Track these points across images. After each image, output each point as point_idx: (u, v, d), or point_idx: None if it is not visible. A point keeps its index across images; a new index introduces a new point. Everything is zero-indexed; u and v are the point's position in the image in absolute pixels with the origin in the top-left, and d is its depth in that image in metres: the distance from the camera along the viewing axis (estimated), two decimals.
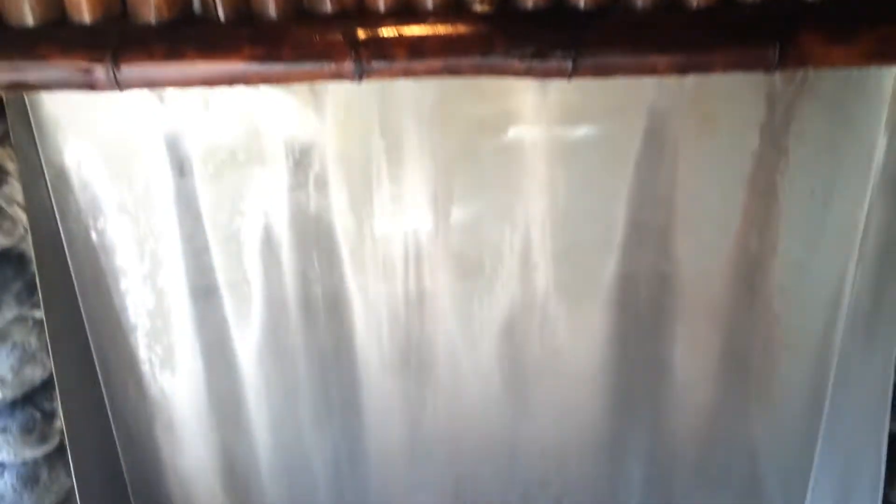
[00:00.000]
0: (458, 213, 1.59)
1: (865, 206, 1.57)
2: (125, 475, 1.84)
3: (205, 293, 1.64)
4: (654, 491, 1.92)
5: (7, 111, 1.40)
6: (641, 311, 1.70)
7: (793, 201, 1.58)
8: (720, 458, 1.88)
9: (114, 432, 1.78)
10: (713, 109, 1.49)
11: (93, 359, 1.69)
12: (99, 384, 1.72)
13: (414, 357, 1.73)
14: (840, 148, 1.52)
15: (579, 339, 1.73)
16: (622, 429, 1.84)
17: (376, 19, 1.19)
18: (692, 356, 1.76)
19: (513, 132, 1.51)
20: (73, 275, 1.60)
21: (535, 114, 1.48)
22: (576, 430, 1.84)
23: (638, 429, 1.84)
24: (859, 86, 1.45)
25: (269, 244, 1.60)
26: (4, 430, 1.50)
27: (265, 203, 1.56)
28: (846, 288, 1.66)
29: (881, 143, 1.47)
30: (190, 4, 1.21)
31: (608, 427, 1.84)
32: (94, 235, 1.56)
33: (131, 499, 1.86)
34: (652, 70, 1.20)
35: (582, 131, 1.52)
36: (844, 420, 1.75)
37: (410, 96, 1.45)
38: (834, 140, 1.51)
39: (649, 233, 1.62)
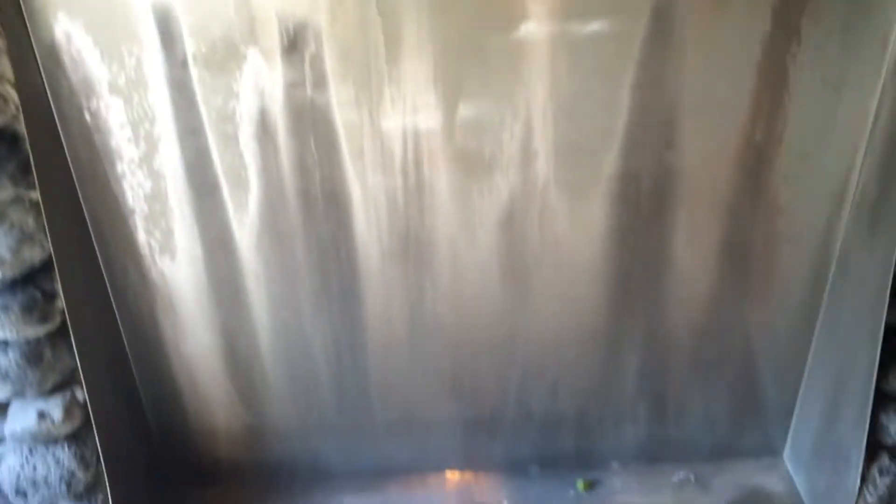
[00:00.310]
0: (458, 100, 1.55)
1: (877, 95, 1.53)
2: (129, 357, 1.87)
3: (201, 178, 1.63)
4: (648, 380, 1.95)
5: None
6: (642, 202, 1.68)
7: (803, 88, 1.53)
8: (716, 350, 1.90)
9: (116, 315, 1.80)
10: None
11: (92, 242, 1.69)
12: (99, 266, 1.72)
13: (413, 246, 1.73)
14: (854, 32, 1.46)
15: (579, 229, 1.72)
16: (619, 319, 1.85)
17: None
18: (692, 247, 1.75)
19: (515, 16, 1.46)
20: (68, 157, 1.58)
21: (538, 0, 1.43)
22: (573, 320, 1.86)
23: (635, 319, 1.85)
24: None
25: (265, 128, 1.57)
26: (6, 308, 1.51)
27: (260, 85, 1.52)
28: (852, 179, 1.64)
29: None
30: None
31: (606, 317, 1.85)
32: (87, 116, 1.54)
33: (136, 380, 1.91)
34: None
35: (586, 17, 1.46)
36: (842, 312, 1.76)
37: None
38: (848, 23, 1.45)
39: (653, 121, 1.58)
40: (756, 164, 1.63)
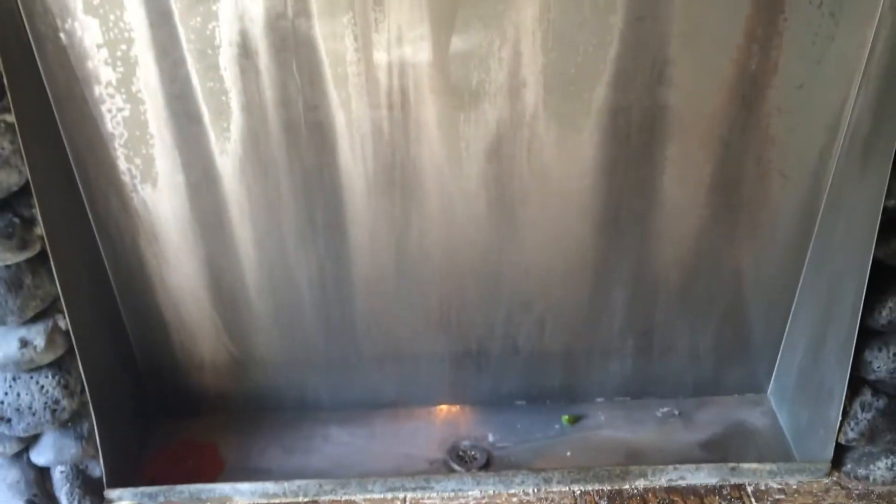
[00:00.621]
0: (444, 24, 1.50)
1: (875, 24, 1.49)
2: (113, 287, 1.85)
3: (181, 103, 1.59)
4: (636, 314, 1.94)
5: None
6: (633, 134, 1.65)
7: (799, 15, 1.49)
8: (704, 286, 1.89)
9: (98, 244, 1.78)
10: None
11: (71, 168, 1.66)
12: (79, 193, 1.70)
13: (398, 176, 1.70)
14: None
15: (568, 161, 1.69)
16: (608, 253, 1.84)
17: None
18: (683, 181, 1.72)
19: None
20: (44, 79, 1.54)
21: None
22: (561, 254, 1.84)
23: (623, 254, 1.84)
24: None
25: (245, 52, 1.53)
26: None
27: (240, 6, 1.47)
28: (846, 111, 1.61)
29: None
30: None
31: (593, 251, 1.84)
32: (62, 37, 1.49)
33: (121, 310, 1.89)
34: None
35: None
36: (831, 246, 1.74)
37: None
38: None
39: (645, 49, 1.54)
40: (750, 94, 1.59)
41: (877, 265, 1.60)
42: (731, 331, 1.98)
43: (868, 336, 1.69)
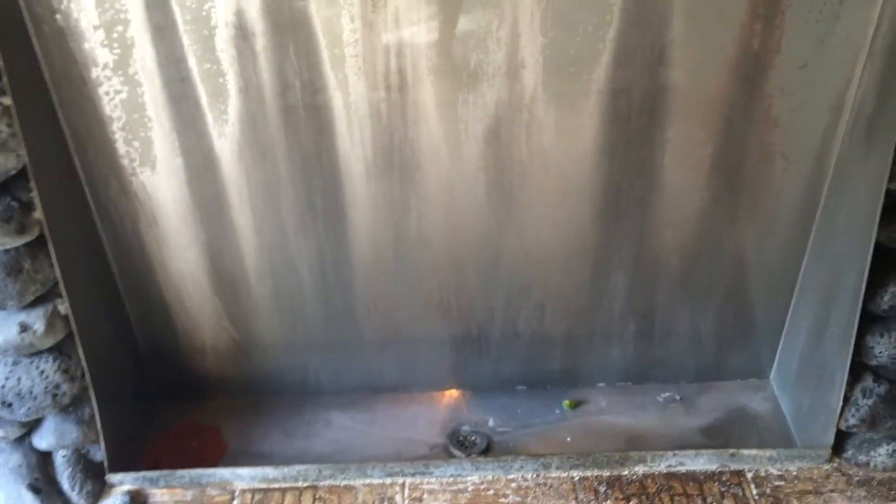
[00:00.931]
0: (441, 5, 1.49)
1: (879, 2, 1.47)
2: (114, 271, 1.85)
3: (179, 85, 1.58)
4: (637, 298, 1.93)
5: None
6: (633, 115, 1.63)
7: None
8: (705, 269, 1.88)
9: (99, 227, 1.78)
10: None
11: (70, 151, 1.65)
12: (78, 177, 1.69)
13: (397, 159, 1.69)
14: None
15: (567, 143, 1.67)
16: (608, 237, 1.83)
17: None
18: (684, 163, 1.71)
19: None
20: (41, 61, 1.53)
21: None
22: (561, 237, 1.83)
23: (624, 237, 1.83)
24: None
25: (242, 32, 1.51)
26: None
27: None
28: (850, 91, 1.59)
29: None
30: None
31: (594, 234, 1.82)
32: (59, 17, 1.48)
33: (121, 293, 1.89)
34: None
35: None
36: (834, 230, 1.73)
37: None
38: None
39: (645, 25, 1.52)
40: (753, 74, 1.57)
41: (879, 249, 1.58)
42: (733, 315, 1.97)
43: (870, 321, 1.67)
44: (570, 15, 1.51)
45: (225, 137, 1.65)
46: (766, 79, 1.58)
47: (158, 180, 1.71)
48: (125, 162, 1.68)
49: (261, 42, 1.53)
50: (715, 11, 1.50)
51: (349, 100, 1.61)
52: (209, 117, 1.62)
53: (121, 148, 1.66)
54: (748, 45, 1.53)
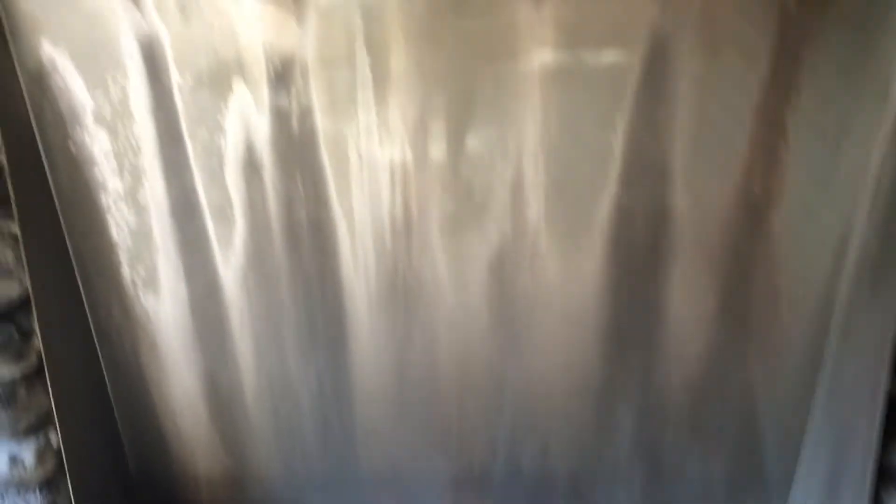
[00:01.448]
0: (446, 139, 1.52)
1: (879, 147, 1.48)
2: (111, 397, 1.82)
3: (187, 213, 1.60)
4: (644, 437, 1.86)
5: None
6: (637, 252, 1.63)
7: (803, 138, 1.48)
8: (713, 410, 1.81)
9: (98, 353, 1.75)
10: (720, 33, 1.39)
11: (74, 277, 1.65)
12: (81, 303, 1.69)
13: (400, 290, 1.68)
14: (853, 83, 1.42)
15: (571, 278, 1.66)
16: (613, 374, 1.78)
17: None
18: (688, 303, 1.68)
19: (505, 52, 1.43)
20: (52, 188, 1.56)
21: (528, 32, 1.40)
22: (565, 374, 1.78)
23: (630, 375, 1.78)
24: (880, 13, 1.35)
25: (251, 163, 1.54)
26: None
27: (246, 119, 1.50)
28: (854, 236, 1.57)
29: None
30: None
31: (599, 371, 1.78)
32: (72, 147, 1.52)
33: (117, 419, 1.85)
34: None
35: (578, 53, 1.43)
36: (843, 376, 1.67)
37: (397, 8, 1.37)
38: (849, 73, 1.41)
39: (648, 168, 1.53)
40: (754, 217, 1.57)
41: (892, 401, 1.52)
42: (744, 460, 1.88)
43: (885, 476, 1.59)
44: (573, 156, 1.53)
45: (230, 264, 1.65)
46: (768, 222, 1.57)
47: (161, 306, 1.70)
48: (129, 287, 1.67)
49: (269, 172, 1.55)
50: (716, 156, 1.51)
51: (354, 230, 1.61)
52: (215, 244, 1.63)
53: (126, 273, 1.66)
54: (749, 189, 1.54)
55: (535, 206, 1.58)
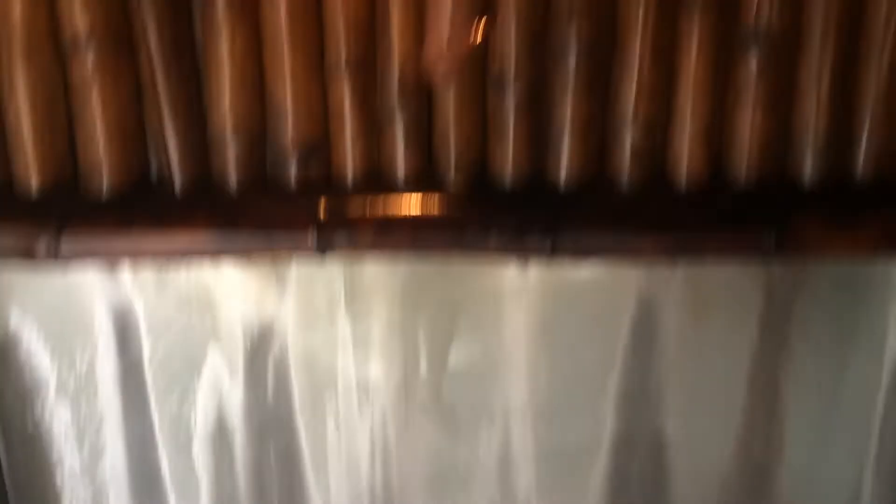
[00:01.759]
0: (429, 408, 1.45)
1: (879, 406, 1.45)
2: None
3: (147, 489, 1.48)
4: None
5: None
6: None
7: (797, 400, 1.45)
8: None
9: None
10: (707, 299, 1.39)
11: None
12: None
13: None
14: (848, 342, 1.41)
15: None
16: None
17: (342, 193, 1.13)
18: None
19: (490, 317, 1.41)
20: (4, 468, 1.45)
21: (514, 297, 1.39)
22: None
23: None
24: (866, 275, 1.37)
25: (221, 437, 1.45)
26: None
27: (219, 390, 1.43)
28: (863, 497, 1.50)
29: (893, 334, 1.39)
30: (146, 174, 1.16)
31: None
32: (29, 425, 1.43)
33: None
34: (637, 252, 1.13)
35: (565, 318, 1.41)
36: None
37: (378, 276, 1.37)
38: (840, 334, 1.41)
39: (640, 433, 1.47)
40: (755, 486, 1.50)
41: None
42: None
43: None
44: (563, 421, 1.47)
45: None
46: (770, 491, 1.50)
47: None
48: None
49: (239, 447, 1.46)
50: (711, 421, 1.46)
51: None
52: None
53: None
54: (748, 457, 1.47)
55: (524, 475, 1.49)
